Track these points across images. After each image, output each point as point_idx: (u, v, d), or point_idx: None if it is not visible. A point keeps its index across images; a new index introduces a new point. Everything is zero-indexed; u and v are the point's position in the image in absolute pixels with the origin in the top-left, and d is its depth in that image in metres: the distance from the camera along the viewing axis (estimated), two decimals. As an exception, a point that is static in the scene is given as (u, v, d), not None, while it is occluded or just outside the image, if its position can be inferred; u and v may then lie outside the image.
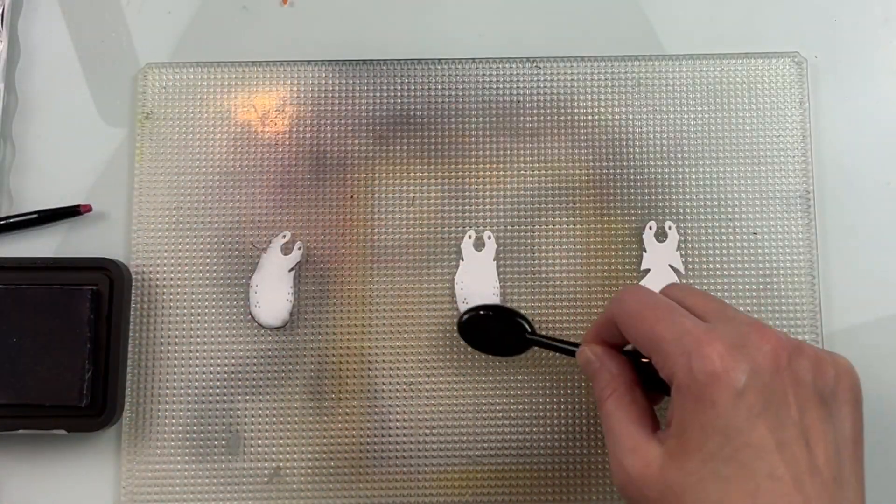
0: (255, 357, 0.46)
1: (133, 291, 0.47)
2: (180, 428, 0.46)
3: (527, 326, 0.44)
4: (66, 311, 0.44)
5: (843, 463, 0.33)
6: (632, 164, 0.48)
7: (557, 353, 0.44)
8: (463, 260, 0.47)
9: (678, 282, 0.46)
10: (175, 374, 0.46)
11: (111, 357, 0.45)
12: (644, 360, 0.38)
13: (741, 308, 0.46)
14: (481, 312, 0.45)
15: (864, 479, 0.34)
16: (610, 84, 0.49)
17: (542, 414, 0.46)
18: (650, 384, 0.38)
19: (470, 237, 0.47)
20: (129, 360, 0.46)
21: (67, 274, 0.45)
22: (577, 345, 0.41)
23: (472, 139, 0.48)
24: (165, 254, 0.47)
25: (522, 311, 0.46)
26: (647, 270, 0.47)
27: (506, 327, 0.44)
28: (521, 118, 0.48)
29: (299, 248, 0.47)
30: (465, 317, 0.45)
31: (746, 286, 0.47)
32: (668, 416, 0.34)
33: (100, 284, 0.45)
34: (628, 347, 0.39)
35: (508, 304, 0.47)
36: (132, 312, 0.47)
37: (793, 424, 0.32)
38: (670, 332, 0.34)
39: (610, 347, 0.39)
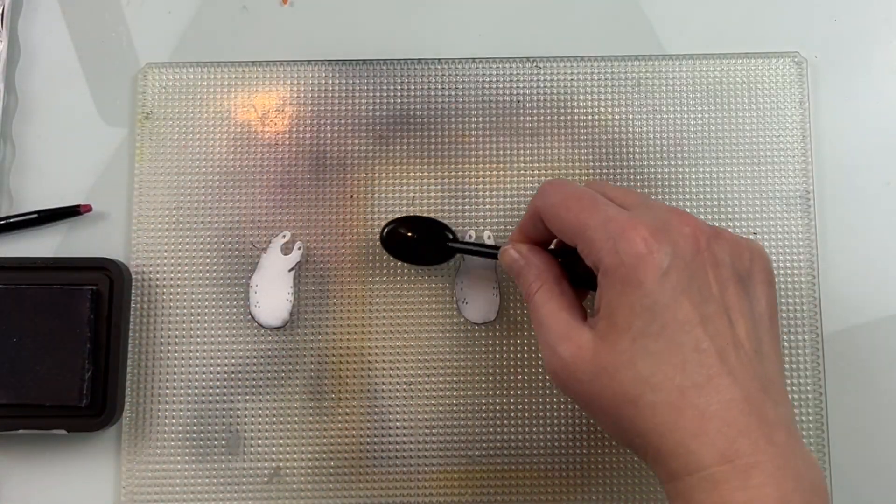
0: (255, 357, 0.46)
1: (133, 291, 0.47)
2: (180, 428, 0.46)
3: (449, 235, 0.45)
4: (66, 311, 0.44)
5: (761, 337, 0.35)
6: (632, 164, 0.48)
7: None
8: (463, 260, 0.47)
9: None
10: (175, 374, 0.46)
11: (111, 357, 0.45)
12: (564, 259, 0.40)
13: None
14: (403, 223, 0.46)
15: (781, 353, 0.36)
16: (610, 84, 0.49)
17: (541, 414, 0.46)
18: (574, 281, 0.39)
19: (470, 237, 0.47)
20: (129, 360, 0.46)
21: (67, 274, 0.45)
22: (498, 247, 0.42)
23: (472, 139, 0.48)
24: (165, 254, 0.47)
25: (522, 311, 0.46)
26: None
27: (428, 236, 0.45)
28: (521, 118, 0.48)
29: (299, 248, 0.47)
30: (387, 228, 0.45)
31: (746, 286, 0.47)
32: (596, 303, 0.35)
33: (100, 284, 0.45)
34: (550, 248, 0.41)
35: (510, 306, 0.47)
36: (132, 312, 0.47)
37: (714, 301, 0.34)
38: (595, 219, 0.35)
39: (534, 245, 0.40)
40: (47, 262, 0.46)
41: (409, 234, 0.45)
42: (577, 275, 0.39)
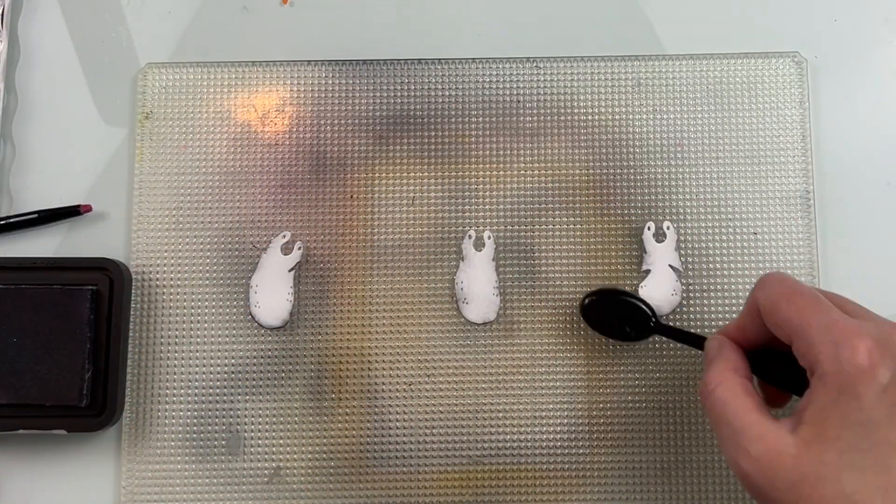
0: (255, 357, 0.46)
1: (133, 291, 0.47)
2: (180, 428, 0.46)
3: (650, 314, 0.44)
4: (66, 311, 0.44)
5: None
6: (632, 164, 0.48)
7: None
8: (463, 260, 0.47)
9: (678, 281, 0.46)
10: (175, 374, 0.46)
11: (111, 357, 0.45)
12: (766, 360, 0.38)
13: (741, 308, 0.46)
14: (604, 296, 0.45)
15: None
16: (610, 84, 0.49)
17: (541, 414, 0.46)
18: (774, 380, 0.38)
19: (470, 237, 0.47)
20: (130, 360, 0.46)
21: (67, 274, 0.45)
22: (705, 338, 0.41)
23: (472, 139, 0.48)
24: (165, 254, 0.47)
25: (522, 311, 0.46)
26: (648, 271, 0.47)
27: (629, 313, 0.45)
28: (521, 118, 0.48)
29: (299, 248, 0.47)
30: (588, 300, 0.45)
31: (746, 286, 0.47)
32: (801, 405, 0.34)
33: (100, 284, 0.45)
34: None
35: (510, 306, 0.47)
36: (132, 312, 0.47)
37: None
38: (819, 319, 0.34)
39: (734, 341, 0.39)
40: (47, 262, 0.46)
41: (612, 310, 0.45)
42: (778, 375, 0.38)
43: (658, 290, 0.46)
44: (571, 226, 0.47)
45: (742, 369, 0.37)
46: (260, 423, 0.46)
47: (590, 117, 0.48)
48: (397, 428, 0.46)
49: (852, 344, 0.32)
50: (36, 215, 0.47)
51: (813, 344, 0.33)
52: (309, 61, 0.49)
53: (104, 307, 0.45)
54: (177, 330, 0.47)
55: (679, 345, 0.46)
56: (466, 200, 0.48)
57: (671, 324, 0.46)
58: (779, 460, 0.33)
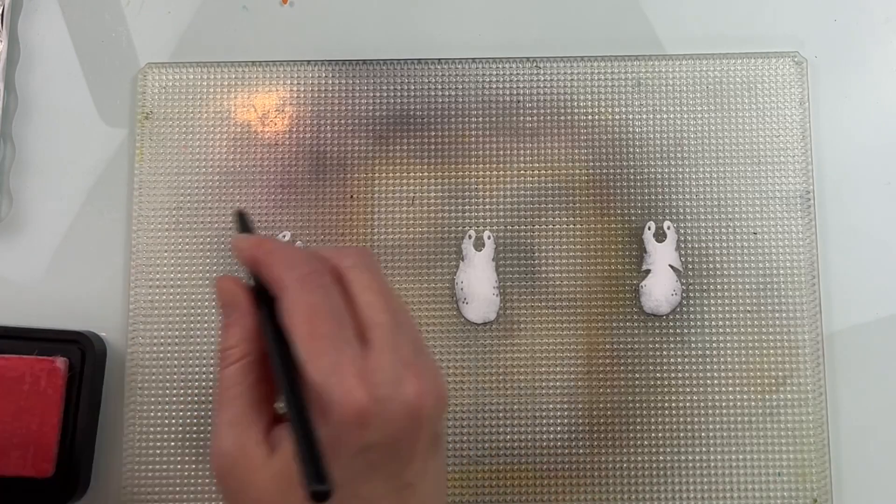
0: (255, 357, 0.46)
1: (130, 293, 0.47)
2: (181, 428, 0.46)
3: None
4: (37, 382, 0.44)
5: (439, 485, 0.33)
6: (632, 164, 0.48)
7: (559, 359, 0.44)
8: (463, 260, 0.47)
9: (678, 281, 0.46)
10: (175, 374, 0.46)
11: (79, 431, 0.44)
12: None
13: (741, 308, 0.46)
14: None
15: (445, 474, 0.35)
16: (610, 84, 0.49)
17: (541, 414, 0.46)
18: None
19: (470, 237, 0.47)
20: (128, 361, 0.46)
21: (41, 344, 0.45)
22: None
23: (472, 139, 0.48)
24: (165, 254, 0.47)
25: (522, 311, 0.46)
26: (648, 271, 0.47)
27: None
28: (521, 118, 0.48)
29: (299, 248, 0.47)
30: None
31: (746, 286, 0.47)
32: (284, 432, 0.31)
33: (72, 357, 0.45)
34: None
35: (510, 306, 0.47)
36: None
37: (409, 476, 0.31)
38: (318, 368, 0.29)
39: (251, 292, 0.33)
40: (20, 332, 0.45)
41: None
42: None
43: (658, 290, 0.46)
44: (571, 226, 0.47)
45: (259, 344, 0.32)
46: (260, 423, 0.46)
47: (590, 117, 0.48)
48: (397, 428, 0.46)
49: (343, 404, 0.28)
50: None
51: (313, 382, 0.29)
52: (309, 61, 0.49)
53: (76, 380, 0.44)
54: (177, 330, 0.47)
55: (679, 345, 0.46)
56: (466, 200, 0.48)
57: (671, 323, 0.46)
58: (249, 477, 0.30)
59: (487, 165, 0.48)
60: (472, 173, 0.48)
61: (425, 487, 0.31)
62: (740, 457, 0.45)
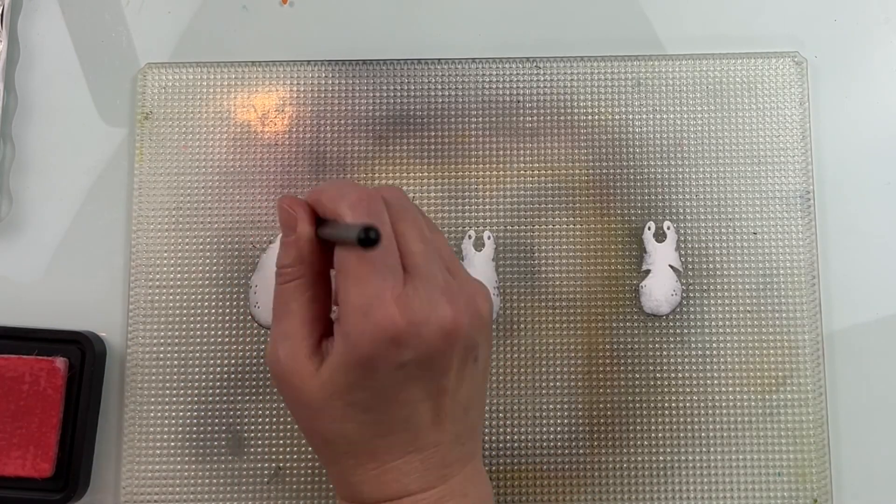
0: (254, 357, 0.46)
1: (130, 293, 0.47)
2: (181, 428, 0.46)
3: None
4: (37, 382, 0.44)
5: (473, 395, 0.36)
6: (632, 164, 0.48)
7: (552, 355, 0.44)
8: (463, 260, 0.47)
9: (678, 281, 0.46)
10: (175, 374, 0.46)
11: (79, 431, 0.44)
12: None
13: (741, 308, 0.46)
14: None
15: (485, 394, 0.38)
16: (610, 84, 0.49)
17: (541, 414, 0.46)
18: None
19: (470, 237, 0.47)
20: (128, 361, 0.46)
21: (40, 344, 0.45)
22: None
23: (472, 139, 0.48)
24: (165, 254, 0.47)
25: (522, 311, 0.46)
26: (648, 271, 0.47)
27: None
28: (521, 118, 0.48)
29: (299, 248, 0.47)
30: None
31: (746, 286, 0.47)
32: (331, 344, 0.34)
33: (72, 357, 0.45)
34: None
35: (510, 306, 0.46)
36: (129, 316, 0.47)
37: (445, 381, 0.34)
38: (367, 282, 0.32)
39: (311, 215, 0.35)
40: (20, 332, 0.45)
41: None
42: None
43: (658, 290, 0.46)
44: (571, 226, 0.47)
45: (319, 265, 0.35)
46: (260, 424, 0.46)
47: (590, 117, 0.48)
48: (397, 428, 0.46)
49: (382, 325, 0.32)
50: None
51: (347, 301, 0.32)
52: (309, 61, 0.49)
53: (75, 380, 0.45)
54: (177, 330, 0.47)
55: (679, 345, 0.46)
56: (466, 200, 0.48)
57: (671, 323, 0.46)
58: (299, 384, 0.34)
59: (487, 165, 0.48)
60: (472, 173, 0.48)
61: (461, 392, 0.35)
62: (740, 457, 0.45)
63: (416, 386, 0.34)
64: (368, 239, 0.29)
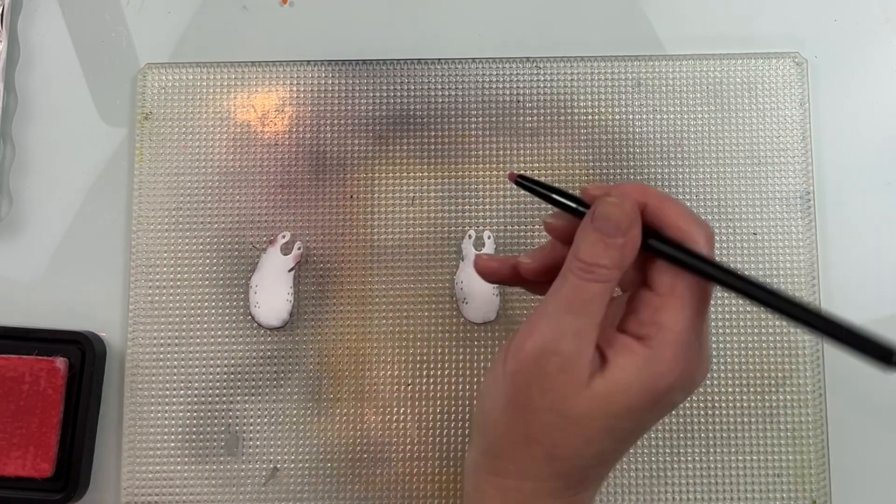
0: (254, 357, 0.46)
1: (130, 293, 0.47)
2: (180, 428, 0.46)
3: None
4: (37, 382, 0.44)
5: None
6: (631, 164, 0.48)
7: None
8: (463, 260, 0.47)
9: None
10: (175, 374, 0.46)
11: (79, 431, 0.44)
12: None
13: (741, 309, 0.46)
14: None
15: None
16: (610, 84, 0.49)
17: (541, 414, 0.46)
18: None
19: (470, 237, 0.47)
20: (128, 361, 0.46)
21: (41, 344, 0.45)
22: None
23: (472, 139, 0.48)
24: (165, 254, 0.47)
25: (522, 311, 0.46)
26: (647, 270, 0.47)
27: None
28: (521, 118, 0.48)
29: (299, 248, 0.47)
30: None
31: (746, 286, 0.46)
32: (630, 356, 0.31)
33: (72, 357, 0.45)
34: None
35: (510, 306, 0.46)
36: (129, 317, 0.47)
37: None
38: (697, 327, 0.32)
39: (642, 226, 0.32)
40: (20, 332, 0.46)
41: None
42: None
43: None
44: (571, 226, 0.47)
45: (631, 272, 0.33)
46: (259, 424, 0.46)
47: (590, 117, 0.48)
48: (396, 428, 0.46)
49: (694, 364, 0.31)
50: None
51: (674, 328, 0.31)
52: (309, 61, 0.49)
53: (75, 380, 0.45)
54: (177, 330, 0.47)
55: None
56: (466, 200, 0.48)
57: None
58: (570, 387, 0.31)
59: (487, 165, 0.48)
60: (472, 173, 0.48)
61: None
62: (740, 457, 0.45)
63: (668, 409, 0.33)
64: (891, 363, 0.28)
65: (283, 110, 0.49)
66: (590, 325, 0.31)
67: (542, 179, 0.48)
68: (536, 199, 0.47)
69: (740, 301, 0.46)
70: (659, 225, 0.32)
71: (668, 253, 0.32)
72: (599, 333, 0.31)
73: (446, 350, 0.46)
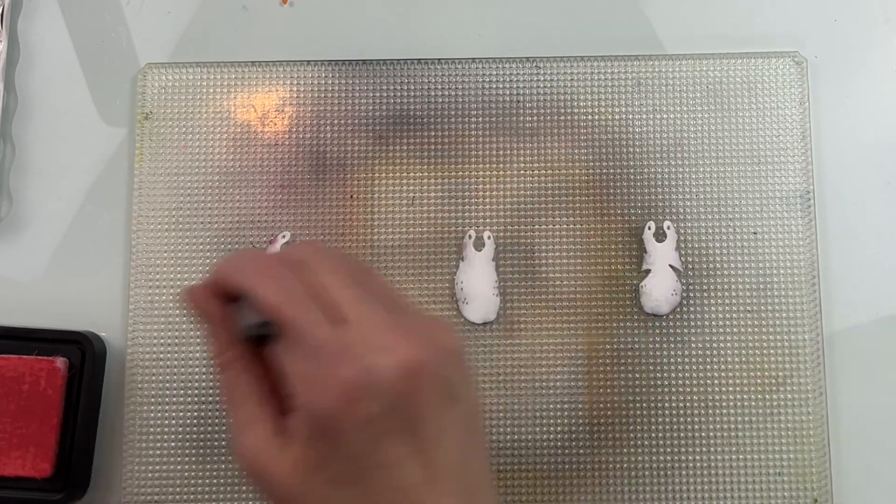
0: (255, 357, 0.46)
1: (130, 293, 0.47)
2: (180, 428, 0.46)
3: None
4: (37, 382, 0.44)
5: (468, 442, 0.32)
6: (632, 164, 0.48)
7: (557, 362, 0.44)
8: (463, 260, 0.47)
9: (678, 281, 0.46)
10: (175, 374, 0.46)
11: (79, 431, 0.44)
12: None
13: (741, 308, 0.46)
14: None
15: (483, 439, 0.34)
16: (610, 84, 0.49)
17: (541, 414, 0.46)
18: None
19: (470, 237, 0.47)
20: (128, 361, 0.46)
21: (41, 344, 0.45)
22: None
23: (472, 139, 0.48)
24: (165, 254, 0.47)
25: (522, 311, 0.46)
26: (648, 270, 0.47)
27: None
28: (521, 118, 0.48)
29: (299, 248, 0.47)
30: None
31: (746, 286, 0.47)
32: (289, 421, 0.31)
33: (72, 357, 0.45)
34: None
35: (510, 306, 0.46)
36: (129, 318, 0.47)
37: (428, 431, 0.30)
38: (298, 356, 0.30)
39: (222, 299, 0.33)
40: (20, 332, 0.45)
41: None
42: None
43: (658, 290, 0.46)
44: (571, 226, 0.47)
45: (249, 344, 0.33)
46: (260, 423, 0.46)
47: (590, 117, 0.48)
48: (397, 428, 0.46)
49: (330, 384, 0.29)
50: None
51: (286, 372, 0.30)
52: (309, 61, 0.49)
53: (76, 380, 0.44)
54: (177, 330, 0.47)
55: (679, 345, 0.46)
56: (466, 200, 0.48)
57: (671, 323, 0.46)
58: (272, 469, 0.30)
59: (487, 165, 0.48)
60: (472, 173, 0.48)
61: (447, 440, 0.31)
62: (740, 457, 0.45)
63: (392, 443, 0.30)
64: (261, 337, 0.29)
65: (283, 110, 0.49)
66: (250, 409, 0.31)
67: (542, 179, 0.48)
68: (536, 199, 0.48)
69: (740, 301, 0.46)
70: (232, 289, 0.32)
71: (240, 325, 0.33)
72: (272, 404, 0.31)
73: (446, 350, 0.46)
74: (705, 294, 0.47)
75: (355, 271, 0.32)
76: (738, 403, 0.46)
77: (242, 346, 0.32)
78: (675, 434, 0.45)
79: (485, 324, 0.46)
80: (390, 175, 0.48)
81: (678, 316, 0.46)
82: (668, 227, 0.47)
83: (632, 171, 0.48)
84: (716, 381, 0.46)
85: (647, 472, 0.45)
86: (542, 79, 0.49)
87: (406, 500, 0.30)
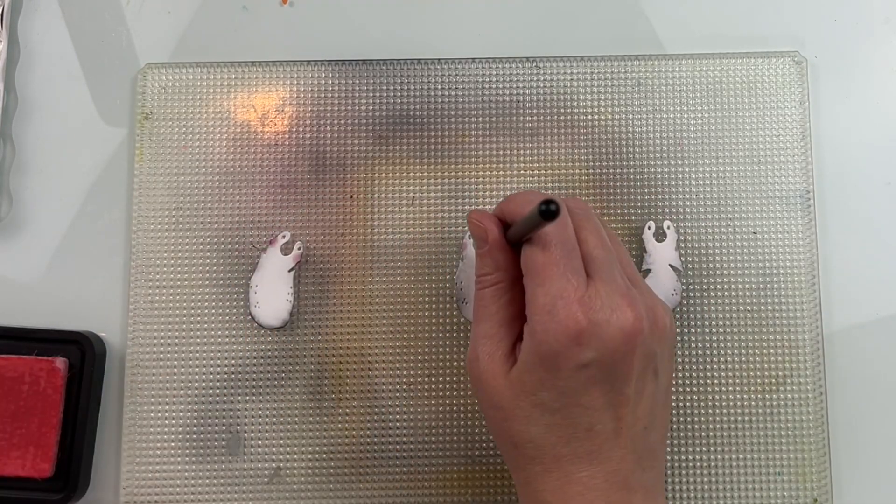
0: (254, 357, 0.46)
1: (130, 293, 0.47)
2: (180, 428, 0.46)
3: None
4: (37, 382, 0.44)
5: (656, 413, 0.37)
6: (631, 164, 0.48)
7: None
8: (463, 260, 0.47)
9: (678, 281, 0.46)
10: (175, 374, 0.46)
11: (79, 431, 0.44)
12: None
13: (741, 308, 0.46)
14: None
15: (668, 418, 0.39)
16: (610, 84, 0.49)
17: (542, 414, 0.46)
18: None
19: (470, 237, 0.47)
20: (128, 361, 0.46)
21: (40, 344, 0.45)
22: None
23: (472, 139, 0.48)
24: (165, 254, 0.47)
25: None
26: (648, 270, 0.47)
27: None
28: (521, 118, 0.48)
29: (299, 248, 0.47)
30: None
31: (746, 286, 0.47)
32: (521, 346, 0.35)
33: (72, 357, 0.45)
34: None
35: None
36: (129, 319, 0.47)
37: (628, 389, 0.35)
38: (552, 281, 0.34)
39: (500, 225, 0.38)
40: (19, 332, 0.45)
41: None
42: None
43: (658, 290, 0.46)
44: (571, 226, 0.47)
45: (513, 270, 0.37)
46: (260, 424, 0.46)
47: (590, 117, 0.48)
48: (397, 428, 0.46)
49: (565, 323, 0.33)
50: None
51: (534, 301, 0.35)
52: (309, 61, 0.49)
53: (75, 380, 0.45)
54: (177, 330, 0.47)
55: (679, 345, 0.46)
56: (466, 200, 0.48)
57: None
58: (493, 381, 0.36)
59: (487, 165, 0.48)
60: (472, 173, 0.48)
61: (641, 406, 0.36)
62: (740, 457, 0.45)
63: (597, 390, 0.34)
64: (549, 211, 0.30)
65: (283, 110, 0.49)
66: (493, 326, 0.36)
67: (542, 179, 0.48)
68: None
69: (740, 301, 0.46)
70: (512, 221, 0.37)
71: (510, 237, 0.37)
72: (513, 330, 0.36)
73: (446, 350, 0.46)
74: (705, 294, 0.47)
75: (610, 237, 0.38)
76: (738, 403, 0.46)
77: (507, 273, 0.37)
78: (674, 434, 0.45)
79: (485, 324, 0.46)
80: (390, 175, 0.48)
81: (678, 316, 0.46)
82: (668, 227, 0.47)
83: (632, 171, 0.48)
84: (716, 381, 0.46)
85: (647, 472, 0.45)
86: (542, 79, 0.49)
87: (593, 440, 0.35)
